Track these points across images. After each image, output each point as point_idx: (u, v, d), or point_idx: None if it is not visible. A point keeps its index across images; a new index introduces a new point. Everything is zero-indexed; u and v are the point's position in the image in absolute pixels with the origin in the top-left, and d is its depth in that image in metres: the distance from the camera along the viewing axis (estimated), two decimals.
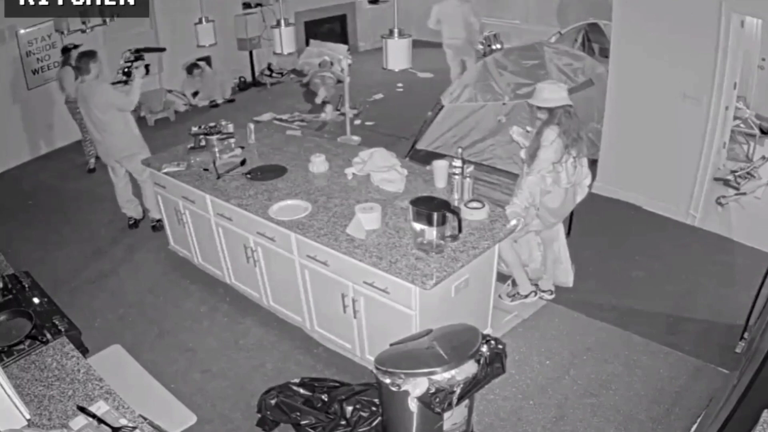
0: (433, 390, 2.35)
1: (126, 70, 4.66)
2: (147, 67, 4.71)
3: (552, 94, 3.42)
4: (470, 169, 3.47)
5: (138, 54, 4.70)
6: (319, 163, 3.95)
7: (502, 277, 3.90)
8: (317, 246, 3.24)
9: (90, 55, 4.59)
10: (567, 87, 3.64)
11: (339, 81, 8.06)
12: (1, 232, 5.10)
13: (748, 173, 5.29)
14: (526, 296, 3.91)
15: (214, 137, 4.26)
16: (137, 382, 3.35)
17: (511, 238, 3.58)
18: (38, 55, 6.66)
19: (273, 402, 2.99)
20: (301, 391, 3.02)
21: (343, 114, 7.01)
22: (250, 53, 9.05)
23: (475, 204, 3.32)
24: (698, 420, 2.92)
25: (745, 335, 3.40)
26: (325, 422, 2.90)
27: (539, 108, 3.46)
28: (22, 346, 2.42)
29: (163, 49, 6.12)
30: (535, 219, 3.60)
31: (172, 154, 4.36)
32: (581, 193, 3.74)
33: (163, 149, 4.65)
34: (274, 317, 3.91)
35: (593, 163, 4.74)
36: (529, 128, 3.75)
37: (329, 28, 10.63)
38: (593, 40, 7.36)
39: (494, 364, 2.50)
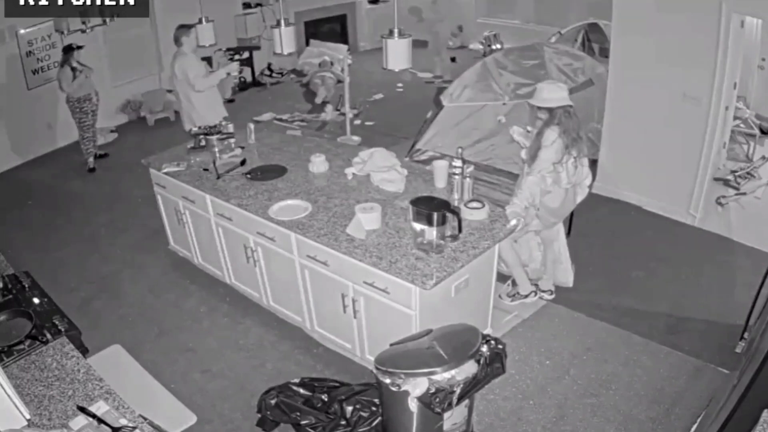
0: (433, 390, 2.34)
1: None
2: (242, 63, 4.91)
3: (552, 94, 3.43)
4: (470, 169, 3.47)
5: (234, 52, 4.88)
6: (319, 163, 3.95)
7: (502, 277, 3.90)
8: (317, 246, 3.24)
9: (184, 28, 4.87)
10: (567, 87, 3.64)
11: (339, 81, 8.06)
12: (1, 232, 5.11)
13: (748, 173, 5.30)
14: (526, 296, 3.91)
15: (214, 137, 4.26)
16: (137, 382, 3.34)
17: (511, 238, 3.58)
18: (38, 55, 6.66)
19: (273, 402, 2.99)
20: (301, 391, 3.02)
21: (343, 114, 7.01)
22: (250, 53, 9.06)
23: (475, 204, 3.32)
24: (698, 420, 2.92)
25: (745, 335, 3.40)
26: (325, 422, 2.90)
27: (539, 108, 3.46)
28: (22, 346, 2.42)
29: (257, 48, 6.24)
30: (535, 219, 3.60)
31: (172, 154, 4.36)
32: (581, 194, 3.74)
33: (163, 149, 4.64)
34: (274, 317, 3.91)
35: (593, 163, 4.74)
36: (529, 128, 3.76)
37: (329, 28, 10.64)
38: (593, 40, 7.37)
39: (494, 364, 2.49)
